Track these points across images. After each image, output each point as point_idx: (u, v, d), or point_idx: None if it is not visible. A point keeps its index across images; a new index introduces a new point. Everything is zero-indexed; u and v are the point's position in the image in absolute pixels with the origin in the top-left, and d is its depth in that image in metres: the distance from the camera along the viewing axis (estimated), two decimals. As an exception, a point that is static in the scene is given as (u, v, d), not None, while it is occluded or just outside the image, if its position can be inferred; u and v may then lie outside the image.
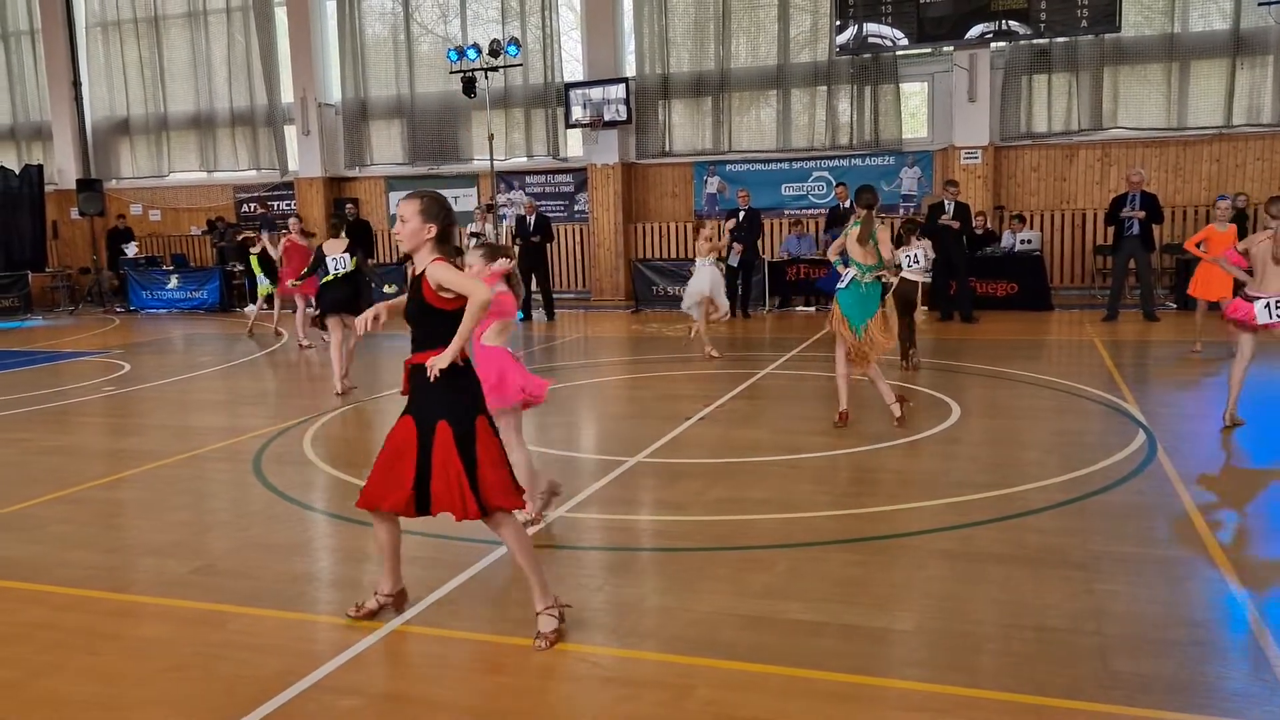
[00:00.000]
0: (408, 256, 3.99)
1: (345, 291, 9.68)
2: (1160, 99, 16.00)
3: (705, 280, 11.11)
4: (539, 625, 3.94)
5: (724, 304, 11.36)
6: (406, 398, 4.00)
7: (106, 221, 21.89)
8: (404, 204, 3.92)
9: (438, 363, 3.79)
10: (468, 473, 3.83)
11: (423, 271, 3.89)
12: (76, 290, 21.62)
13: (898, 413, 7.54)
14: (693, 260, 11.54)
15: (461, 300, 3.82)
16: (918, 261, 9.85)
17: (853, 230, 7.37)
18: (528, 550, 4.02)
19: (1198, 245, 10.39)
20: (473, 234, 17.52)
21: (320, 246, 10.05)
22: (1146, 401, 8.12)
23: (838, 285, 7.50)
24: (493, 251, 5.07)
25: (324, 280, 9.85)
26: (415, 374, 3.91)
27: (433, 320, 3.89)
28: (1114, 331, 12.54)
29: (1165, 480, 5.92)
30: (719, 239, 11.59)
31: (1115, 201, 13.70)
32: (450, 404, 3.86)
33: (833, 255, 7.76)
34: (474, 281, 3.86)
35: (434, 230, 3.89)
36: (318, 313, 10.10)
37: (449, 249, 3.95)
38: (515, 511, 4.10)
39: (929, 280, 10.06)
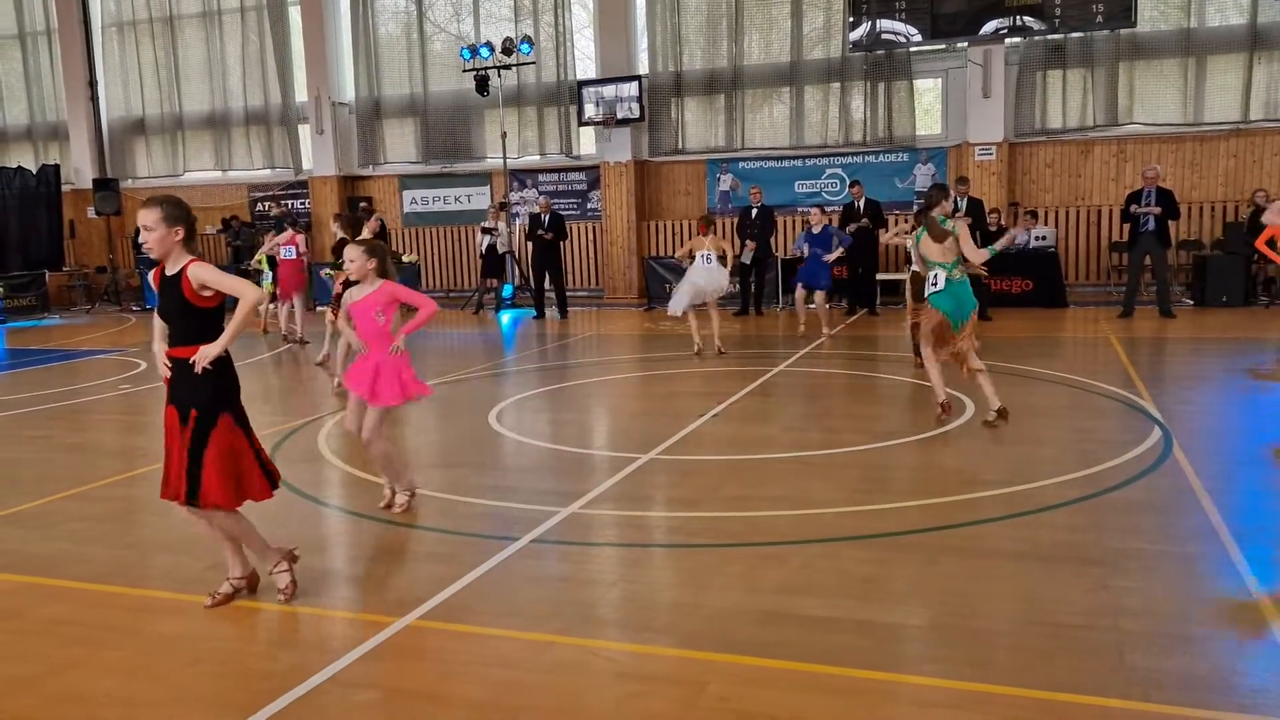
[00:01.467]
0: (157, 263, 4.21)
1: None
2: (1176, 94, 15.90)
3: (706, 277, 10.96)
4: (276, 583, 4.42)
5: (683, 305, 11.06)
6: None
7: (122, 221, 22.04)
8: (145, 213, 4.09)
9: (208, 353, 4.05)
10: (192, 460, 4.11)
11: (179, 271, 4.09)
12: (93, 289, 21.77)
13: (943, 404, 7.47)
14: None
15: (219, 298, 4.13)
16: None
17: (924, 234, 7.35)
18: (236, 530, 4.37)
19: (1269, 244, 9.97)
20: (484, 229, 17.59)
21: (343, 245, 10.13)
22: (1162, 398, 8.07)
23: (931, 289, 7.36)
24: (372, 250, 5.57)
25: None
26: (175, 366, 4.17)
27: (192, 318, 4.14)
28: (1130, 328, 12.47)
29: (1181, 476, 5.89)
30: (732, 246, 11.39)
31: (1130, 197, 13.60)
32: (203, 393, 4.14)
33: (918, 265, 7.64)
34: (242, 282, 4.20)
35: (181, 233, 4.12)
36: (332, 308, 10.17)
37: (195, 247, 4.23)
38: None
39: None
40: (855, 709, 3.34)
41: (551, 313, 16.48)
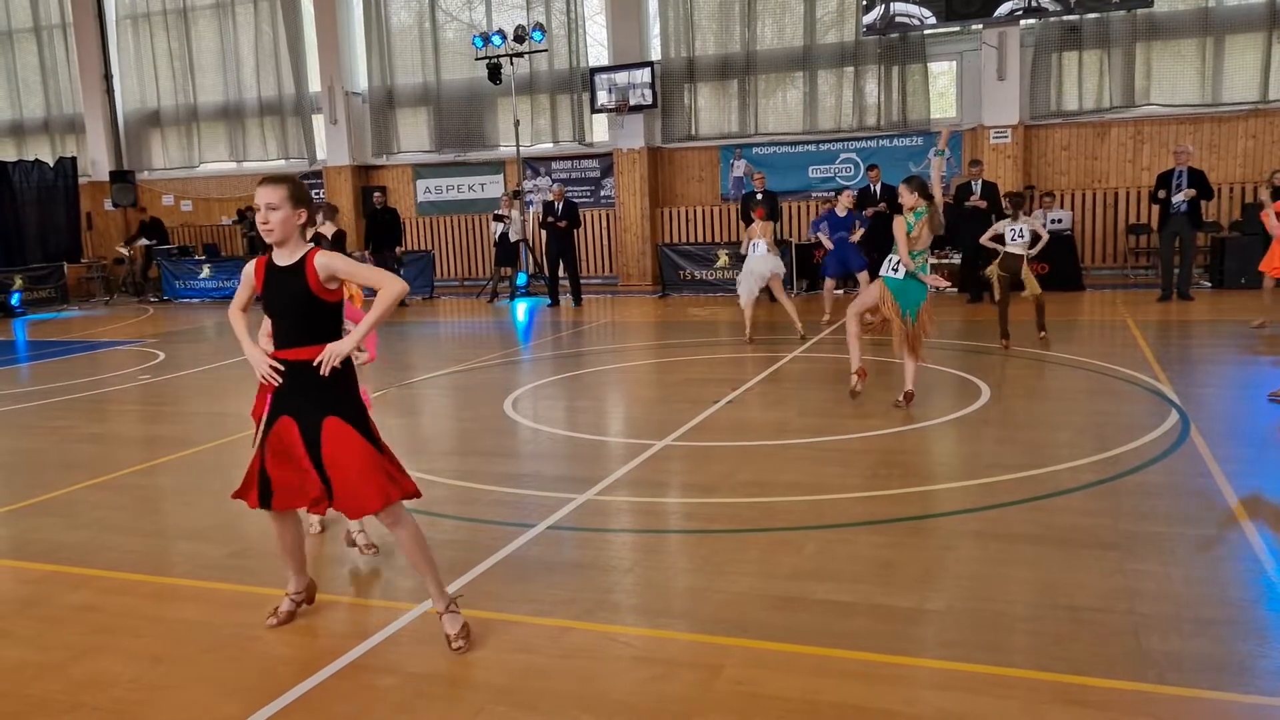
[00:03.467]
0: (268, 247, 3.76)
1: None
2: (1194, 75, 15.73)
3: (761, 263, 11.08)
4: (444, 626, 3.84)
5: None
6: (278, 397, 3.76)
7: (139, 213, 22.18)
8: (269, 190, 3.64)
9: (340, 349, 3.61)
10: (367, 468, 3.68)
11: (300, 260, 3.66)
12: (111, 280, 21.94)
13: (857, 386, 7.69)
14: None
15: (340, 292, 3.73)
16: (1022, 236, 9.90)
17: (919, 225, 7.33)
18: (420, 544, 3.87)
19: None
20: (496, 216, 17.62)
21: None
22: (1180, 381, 8.03)
23: (890, 273, 7.44)
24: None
25: None
26: (290, 371, 3.68)
27: (315, 315, 3.67)
28: (1147, 311, 12.39)
29: (1198, 460, 5.86)
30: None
31: (1161, 178, 13.43)
32: (336, 398, 3.70)
33: (910, 264, 7.62)
34: (381, 272, 3.73)
35: (304, 215, 3.69)
36: None
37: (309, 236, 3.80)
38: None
39: (1033, 254, 10.10)
40: (872, 693, 3.36)
41: (566, 300, 16.50)
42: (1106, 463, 5.86)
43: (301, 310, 3.66)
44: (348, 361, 3.71)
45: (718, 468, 6.24)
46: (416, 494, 3.88)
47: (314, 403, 3.68)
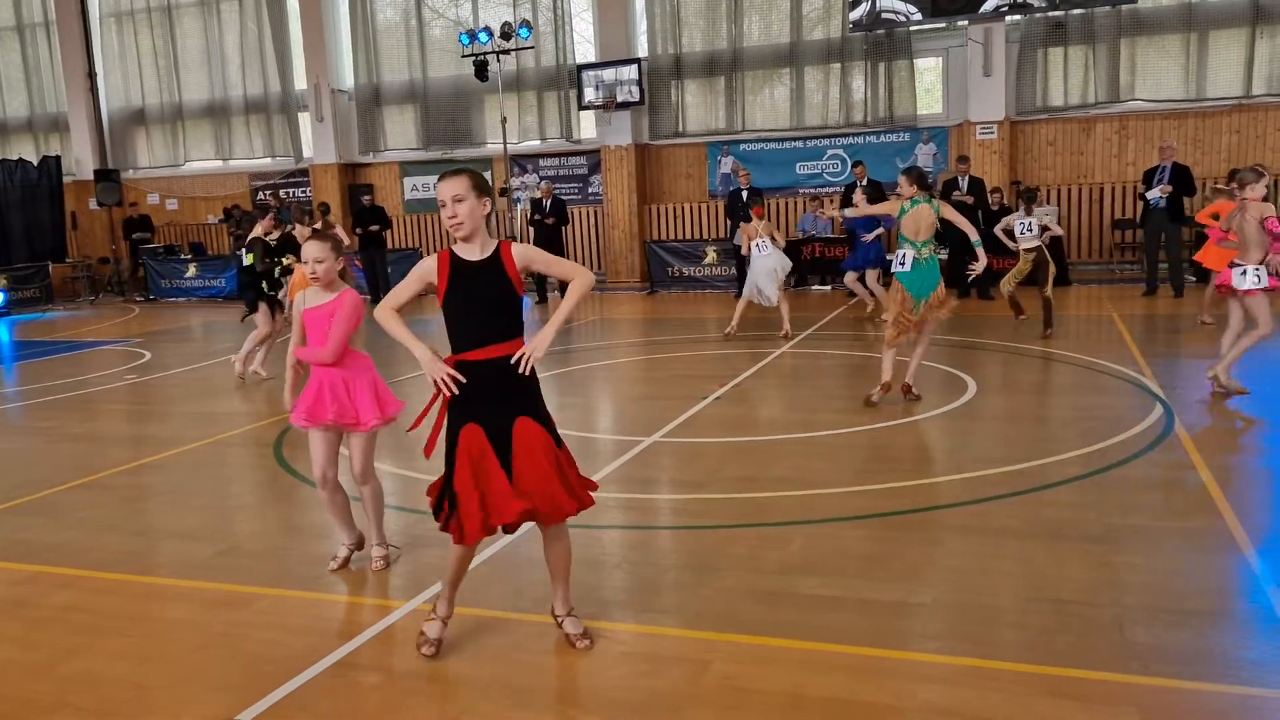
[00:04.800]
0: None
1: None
2: (1178, 70, 15.81)
3: (775, 260, 11.11)
4: (567, 627, 3.81)
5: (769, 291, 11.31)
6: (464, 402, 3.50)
7: (124, 212, 22.06)
8: (453, 182, 3.46)
9: (542, 343, 3.44)
10: (566, 471, 3.58)
11: (494, 254, 3.49)
12: (97, 280, 21.82)
13: (876, 398, 7.53)
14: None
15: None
16: (1031, 230, 9.97)
17: (913, 212, 7.41)
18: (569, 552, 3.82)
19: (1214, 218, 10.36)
20: None
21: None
22: (1164, 375, 8.08)
23: (899, 268, 7.51)
24: (337, 245, 4.59)
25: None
26: (485, 372, 3.45)
27: (513, 310, 3.50)
28: (1133, 306, 12.46)
29: (1182, 453, 5.90)
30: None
31: (1147, 174, 13.50)
32: (532, 398, 3.54)
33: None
34: (572, 264, 3.63)
35: (489, 206, 3.54)
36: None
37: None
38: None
39: (1038, 247, 10.18)
40: (859, 686, 3.38)
41: (553, 297, 16.49)
42: (1092, 456, 5.89)
43: (500, 306, 3.48)
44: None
45: (706, 463, 6.25)
46: (591, 503, 3.73)
47: (508, 403, 3.49)
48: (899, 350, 7.57)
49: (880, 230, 12.55)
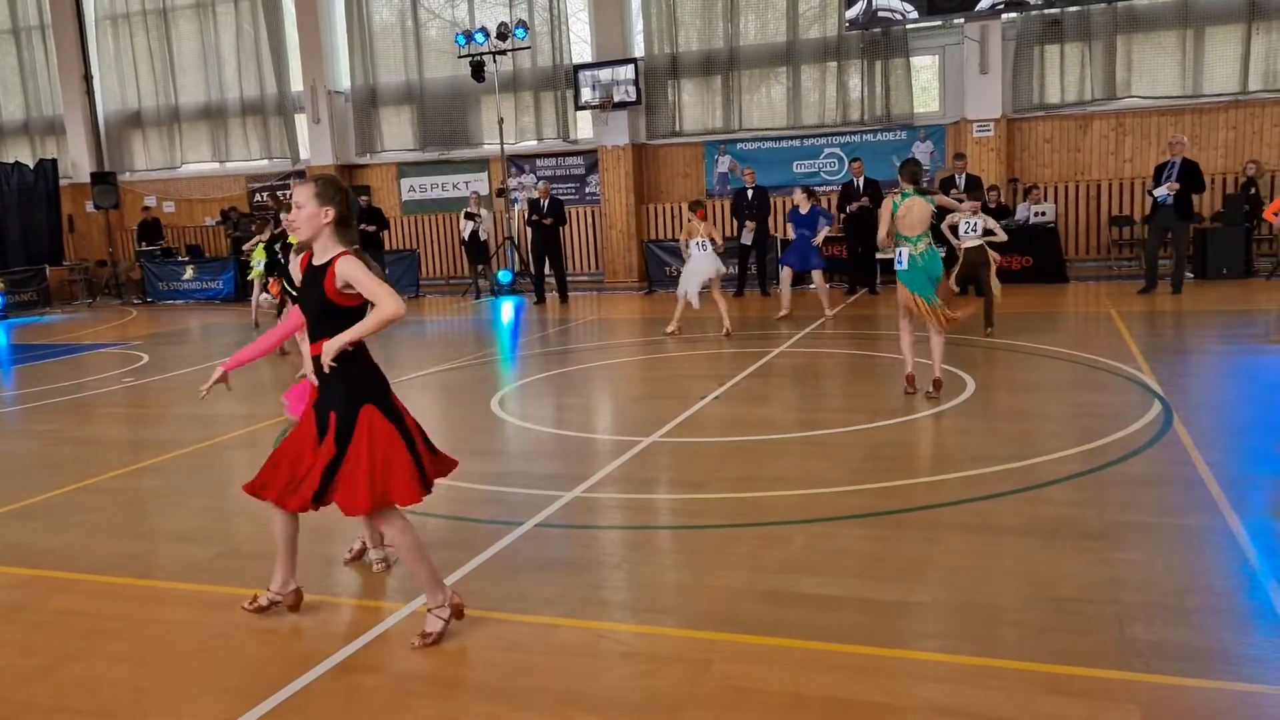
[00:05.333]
0: (304, 246, 3.83)
1: None
2: (1175, 66, 15.82)
3: (708, 262, 11.21)
4: (425, 624, 3.87)
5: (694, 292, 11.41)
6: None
7: (121, 215, 22.04)
8: (298, 189, 3.72)
9: (330, 348, 3.63)
10: (332, 466, 3.73)
11: (326, 264, 3.68)
12: (94, 283, 21.79)
13: (908, 388, 7.69)
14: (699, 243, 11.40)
15: (358, 298, 3.68)
16: (975, 230, 9.99)
17: (906, 205, 7.47)
18: (404, 547, 3.86)
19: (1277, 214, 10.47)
20: (468, 214, 17.59)
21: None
22: (1163, 372, 8.08)
23: (898, 267, 7.62)
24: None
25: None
26: (315, 365, 3.80)
27: (330, 317, 3.70)
28: (1131, 303, 12.46)
29: (1181, 450, 5.90)
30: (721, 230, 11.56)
31: (1157, 170, 13.34)
32: (338, 393, 3.76)
33: (885, 242, 7.81)
34: (389, 292, 3.60)
35: (332, 214, 3.68)
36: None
37: (351, 238, 3.76)
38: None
39: (979, 246, 10.18)
40: (859, 685, 3.37)
41: (552, 297, 16.49)
42: (1091, 454, 5.89)
43: (319, 313, 3.75)
44: (354, 355, 3.71)
45: (705, 463, 6.25)
46: (414, 501, 3.78)
47: (325, 395, 3.83)
48: (917, 348, 7.79)
49: (827, 231, 12.68)
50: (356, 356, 3.75)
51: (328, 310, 3.70)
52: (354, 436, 3.72)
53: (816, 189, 17.56)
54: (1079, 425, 6.63)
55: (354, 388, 3.76)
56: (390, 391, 3.90)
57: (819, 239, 12.48)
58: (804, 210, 12.54)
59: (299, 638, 4.00)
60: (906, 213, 7.46)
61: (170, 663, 3.83)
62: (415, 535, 3.90)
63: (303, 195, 3.70)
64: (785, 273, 12.91)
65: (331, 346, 3.62)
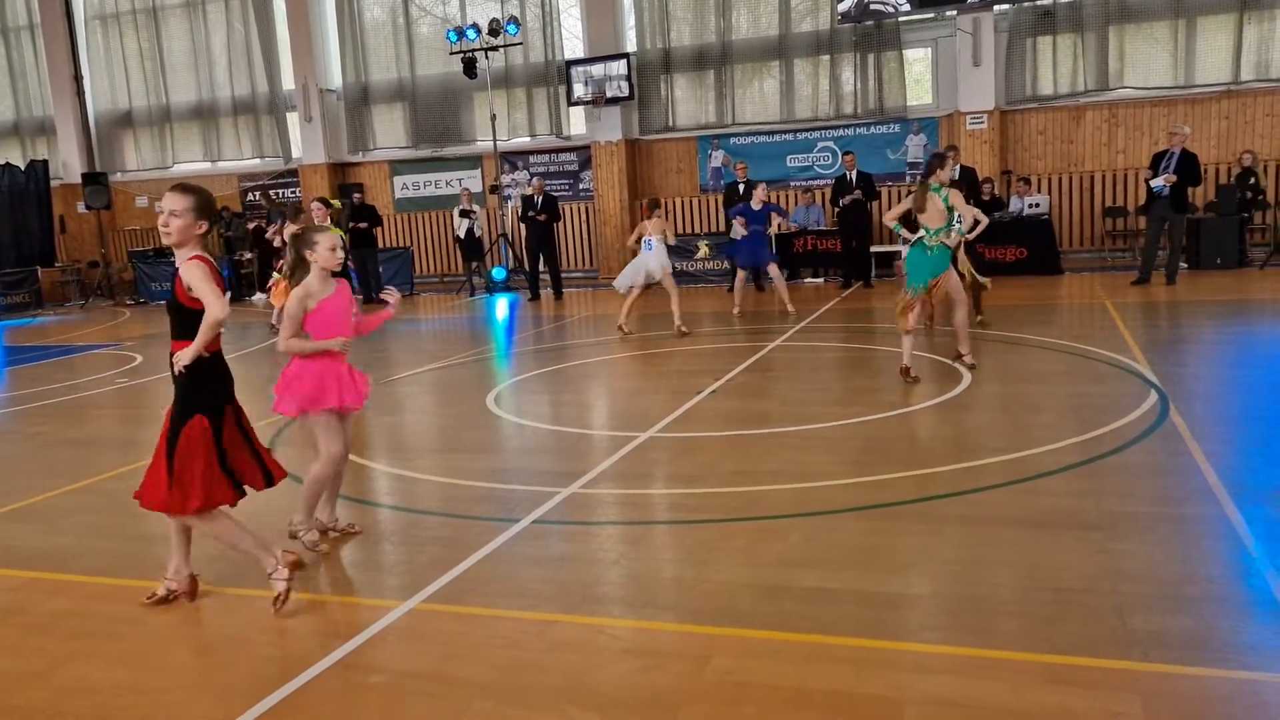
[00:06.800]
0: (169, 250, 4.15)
1: None
2: (1167, 57, 15.84)
3: (656, 260, 11.25)
4: (273, 586, 4.18)
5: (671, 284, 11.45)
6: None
7: (113, 215, 21.96)
8: (175, 197, 3.98)
9: (180, 359, 3.97)
10: (167, 465, 4.07)
11: (179, 265, 4.00)
12: (86, 284, 21.72)
13: (910, 376, 7.86)
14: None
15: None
16: (960, 220, 9.99)
17: (928, 196, 7.75)
18: (217, 534, 4.26)
19: None
20: (463, 212, 17.57)
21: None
22: (1158, 362, 8.09)
23: (907, 247, 8.09)
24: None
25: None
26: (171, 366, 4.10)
27: (178, 314, 4.04)
28: (1126, 294, 12.48)
29: (1178, 439, 5.91)
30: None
31: (1155, 158, 13.32)
32: (177, 394, 4.09)
33: (891, 221, 8.29)
34: (216, 296, 3.89)
35: (204, 227, 4.02)
36: None
37: (204, 244, 4.10)
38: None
39: (969, 238, 10.22)
40: (859, 678, 3.37)
41: (546, 294, 16.46)
42: (1088, 444, 5.90)
43: (172, 309, 4.09)
44: (199, 366, 4.02)
45: (702, 458, 6.24)
46: (189, 513, 4.13)
47: (173, 394, 4.17)
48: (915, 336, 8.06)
49: (780, 221, 12.81)
50: (204, 366, 4.05)
51: (174, 308, 4.04)
52: (179, 441, 4.05)
53: (811, 183, 17.65)
54: (1075, 416, 6.63)
55: (189, 393, 4.08)
56: (223, 403, 4.18)
57: (772, 230, 12.52)
58: (756, 206, 12.50)
59: (297, 637, 3.99)
60: (923, 206, 7.69)
61: (168, 664, 3.82)
62: (224, 523, 4.22)
63: (181, 204, 3.96)
64: (740, 275, 12.90)
65: (184, 356, 3.95)
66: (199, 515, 4.13)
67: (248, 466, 4.28)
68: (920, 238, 7.86)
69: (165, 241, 4.02)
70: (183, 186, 4.05)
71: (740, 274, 12.91)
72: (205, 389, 4.10)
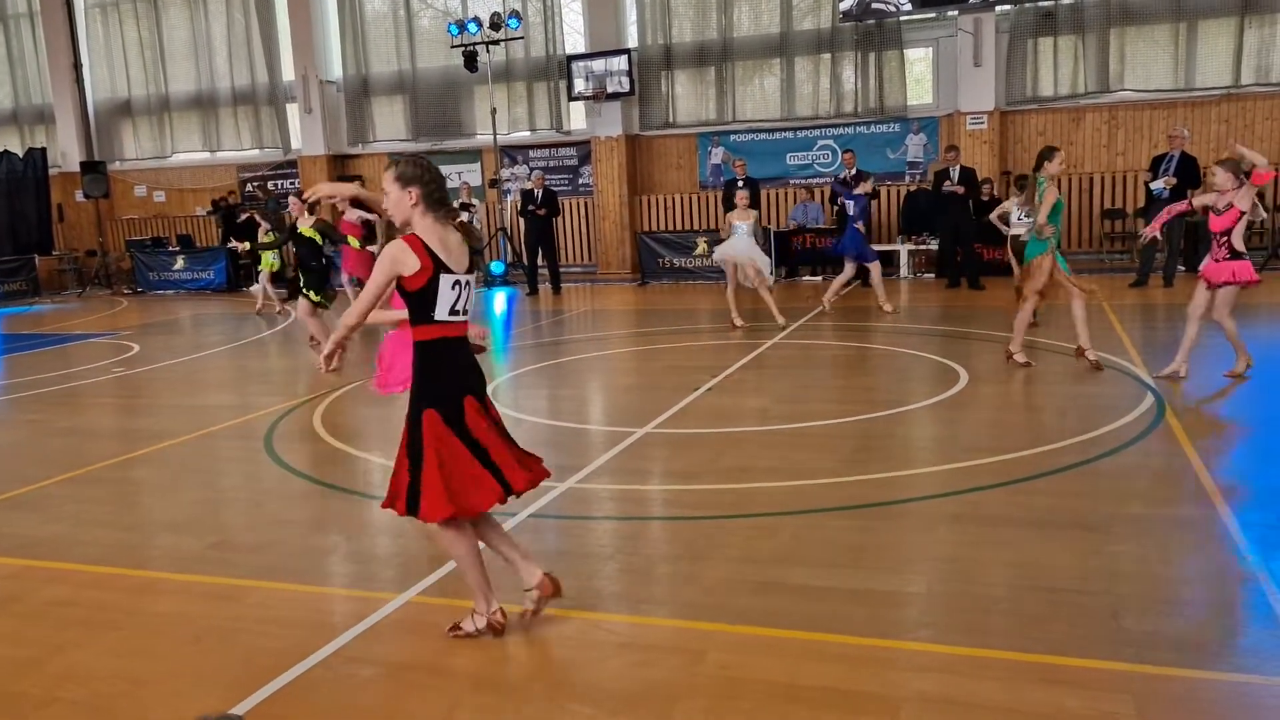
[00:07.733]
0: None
1: None
2: (1168, 60, 15.83)
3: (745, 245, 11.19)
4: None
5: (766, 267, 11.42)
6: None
7: (111, 204, 21.91)
8: (384, 175, 3.64)
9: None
10: (411, 469, 3.60)
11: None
12: (84, 273, 21.68)
13: (1021, 359, 8.31)
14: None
15: (423, 277, 3.52)
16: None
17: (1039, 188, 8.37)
18: (454, 555, 3.77)
19: None
20: (462, 205, 17.54)
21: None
22: (1154, 364, 8.10)
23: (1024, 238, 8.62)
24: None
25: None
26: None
27: (401, 297, 3.66)
28: (1123, 296, 12.49)
29: (1174, 441, 5.92)
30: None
31: (1154, 161, 13.31)
32: (411, 386, 3.68)
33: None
34: (373, 282, 3.56)
35: (415, 195, 3.57)
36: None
37: (445, 213, 3.67)
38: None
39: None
40: (852, 675, 3.38)
41: (545, 289, 16.46)
42: (1084, 445, 5.91)
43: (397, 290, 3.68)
44: (423, 347, 3.62)
45: (698, 454, 6.25)
46: (431, 519, 3.60)
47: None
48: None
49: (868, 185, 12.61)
50: (429, 347, 3.62)
51: (396, 290, 3.64)
52: (423, 439, 3.58)
53: (811, 180, 17.65)
54: (1071, 417, 6.65)
55: (419, 384, 3.66)
56: (462, 395, 3.65)
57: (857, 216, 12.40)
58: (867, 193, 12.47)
59: (293, 628, 3.99)
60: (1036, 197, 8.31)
61: (164, 654, 3.82)
62: (464, 546, 3.73)
63: (385, 180, 3.62)
64: (731, 281, 12.66)
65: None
66: (445, 526, 3.63)
67: (507, 464, 3.73)
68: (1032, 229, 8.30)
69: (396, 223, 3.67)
70: (391, 161, 3.70)
71: (731, 281, 12.56)
72: (435, 380, 3.61)
